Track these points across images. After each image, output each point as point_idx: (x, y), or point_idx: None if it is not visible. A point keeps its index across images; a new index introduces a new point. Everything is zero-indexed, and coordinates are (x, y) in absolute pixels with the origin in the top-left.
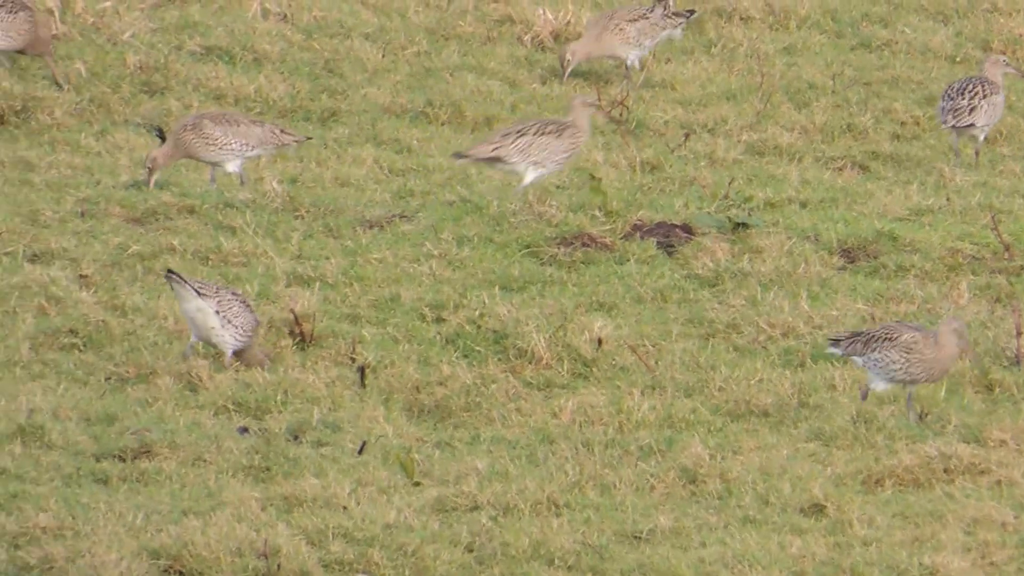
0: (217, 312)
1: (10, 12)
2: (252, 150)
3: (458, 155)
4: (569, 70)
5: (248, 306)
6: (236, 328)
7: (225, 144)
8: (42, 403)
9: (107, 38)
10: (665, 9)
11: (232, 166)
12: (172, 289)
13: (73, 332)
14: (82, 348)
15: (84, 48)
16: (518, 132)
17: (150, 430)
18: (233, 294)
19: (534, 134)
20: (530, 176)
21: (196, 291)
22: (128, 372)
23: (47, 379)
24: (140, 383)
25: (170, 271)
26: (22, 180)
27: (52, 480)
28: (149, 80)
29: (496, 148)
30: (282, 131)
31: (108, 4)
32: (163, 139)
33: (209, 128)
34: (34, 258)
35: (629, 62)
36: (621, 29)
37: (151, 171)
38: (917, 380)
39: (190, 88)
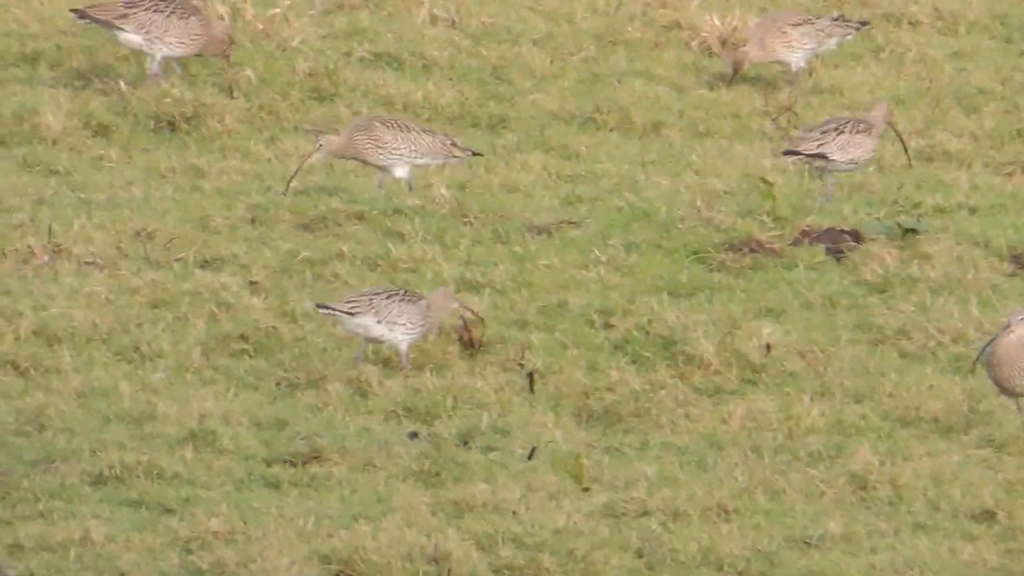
0: (378, 322)
1: (181, 18)
2: (421, 158)
3: (788, 152)
4: (740, 72)
5: (409, 297)
6: (404, 325)
7: (394, 149)
8: (213, 408)
9: (276, 45)
10: (834, 17)
11: (400, 171)
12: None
13: (243, 338)
14: (252, 354)
15: (253, 55)
16: (836, 129)
17: (320, 435)
18: (388, 296)
19: (850, 132)
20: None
21: (348, 313)
22: (298, 378)
23: (218, 384)
24: (310, 389)
25: (318, 305)
26: (193, 187)
27: (223, 485)
28: (318, 86)
29: (820, 144)
30: (452, 144)
31: (277, 11)
32: None
33: (380, 131)
34: (205, 264)
35: (794, 67)
36: (784, 33)
37: (320, 148)
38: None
39: (359, 94)
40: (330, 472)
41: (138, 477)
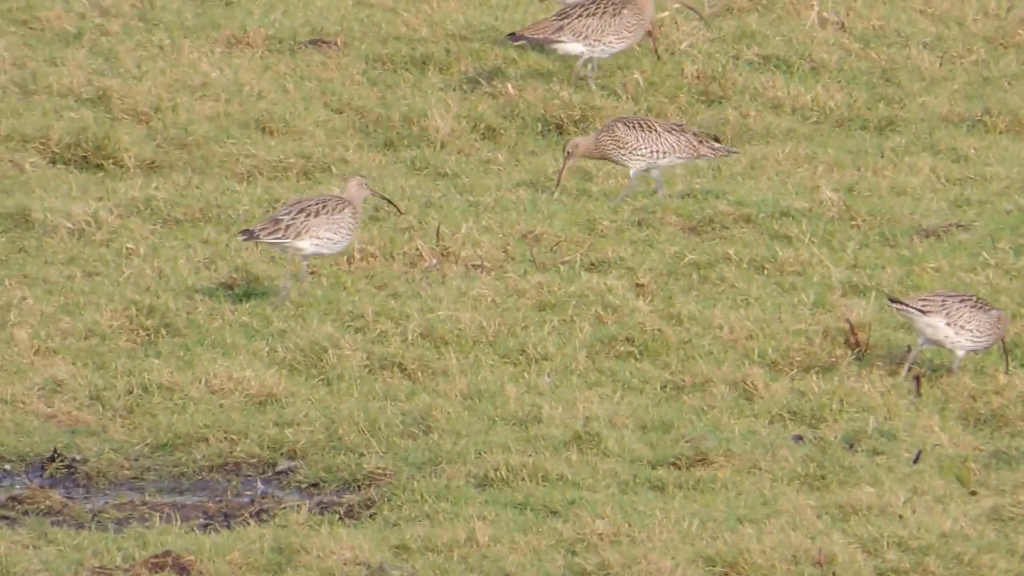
0: (947, 323)
1: (615, 15)
2: (664, 157)
3: None
4: None
5: (982, 305)
6: (971, 332)
7: (635, 149)
8: (599, 411)
9: (665, 48)
10: None
11: (635, 169)
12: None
13: (629, 340)
14: (638, 356)
15: (642, 58)
16: None
17: (706, 438)
18: (961, 299)
19: None
20: None
21: (920, 311)
22: (684, 380)
23: (604, 387)
24: (695, 391)
25: (890, 299)
26: (580, 190)
27: (608, 487)
28: (706, 89)
29: None
30: (700, 142)
31: (666, 14)
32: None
33: (621, 131)
34: (591, 267)
35: None
36: None
37: (569, 155)
38: None
39: (747, 97)
40: (715, 475)
41: (523, 479)
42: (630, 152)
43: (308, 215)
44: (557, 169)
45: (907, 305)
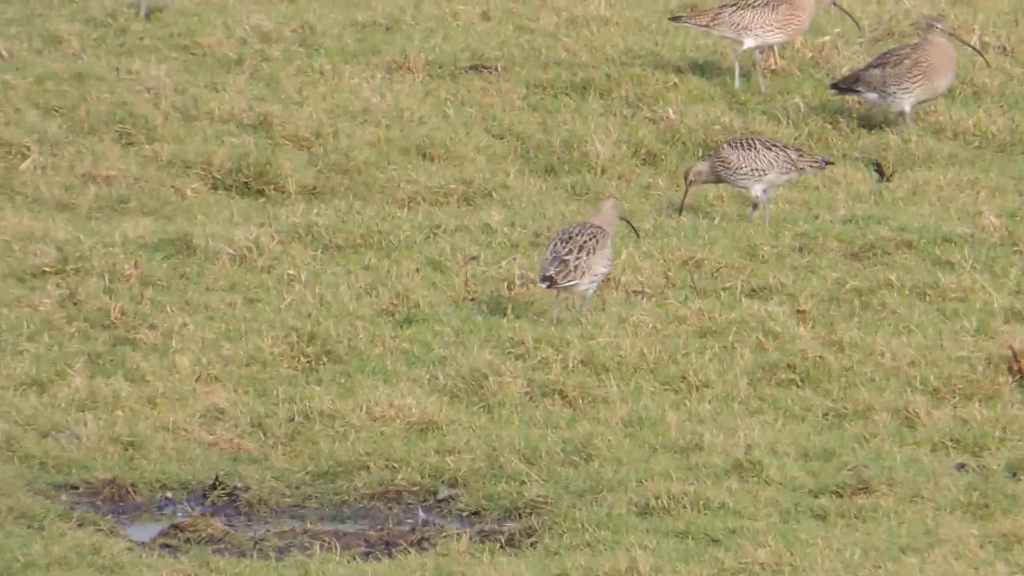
0: None
1: (773, 9)
2: (765, 175)
3: None
4: None
5: None
6: None
7: (738, 168)
8: (760, 439)
9: (825, 72)
10: None
11: (756, 190)
12: None
13: (791, 367)
14: (800, 384)
15: (802, 83)
16: None
17: (868, 466)
18: None
19: None
20: None
21: None
22: (846, 407)
23: (765, 414)
24: (857, 419)
25: None
26: (740, 215)
27: (769, 516)
28: (868, 114)
29: None
30: (799, 156)
31: (827, 39)
32: (881, 174)
33: (726, 152)
34: (752, 293)
35: None
36: None
37: (691, 183)
38: None
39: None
40: (877, 503)
41: (684, 507)
42: (734, 172)
43: (587, 253)
44: (680, 196)
45: None
